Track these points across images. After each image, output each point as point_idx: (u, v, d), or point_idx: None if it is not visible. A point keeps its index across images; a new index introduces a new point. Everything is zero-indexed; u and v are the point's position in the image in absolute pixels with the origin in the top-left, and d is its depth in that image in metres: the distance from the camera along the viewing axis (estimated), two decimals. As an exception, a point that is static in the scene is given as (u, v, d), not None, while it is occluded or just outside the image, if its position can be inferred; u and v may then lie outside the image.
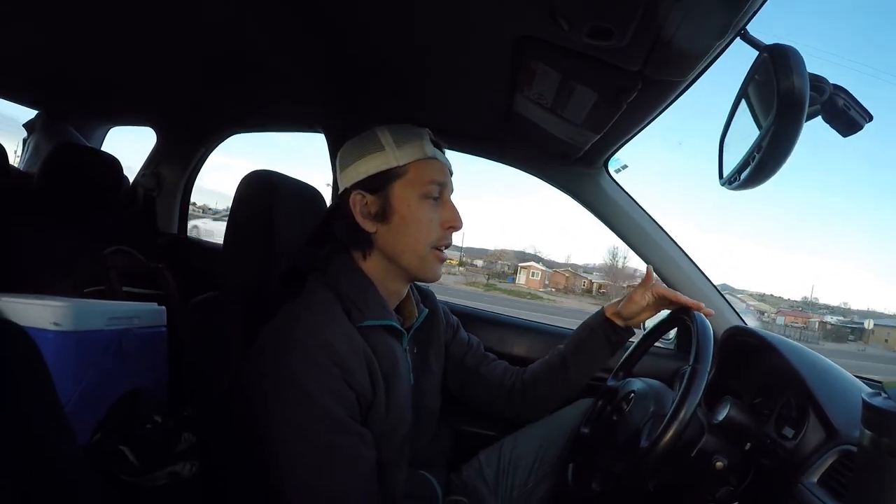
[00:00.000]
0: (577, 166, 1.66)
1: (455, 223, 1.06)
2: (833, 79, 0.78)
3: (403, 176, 1.03)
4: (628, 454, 1.08)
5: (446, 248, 1.08)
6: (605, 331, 1.25)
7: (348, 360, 0.92)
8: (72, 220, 1.92)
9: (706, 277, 1.70)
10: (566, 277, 42.31)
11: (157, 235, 2.41)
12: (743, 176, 0.85)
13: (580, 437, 1.29)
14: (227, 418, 1.04)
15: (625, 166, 1.66)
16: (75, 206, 1.96)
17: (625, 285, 40.86)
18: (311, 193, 1.28)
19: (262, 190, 1.15)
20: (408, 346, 1.12)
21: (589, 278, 42.32)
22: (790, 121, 0.71)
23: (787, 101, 0.69)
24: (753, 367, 1.42)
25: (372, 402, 0.97)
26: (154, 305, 1.48)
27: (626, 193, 1.70)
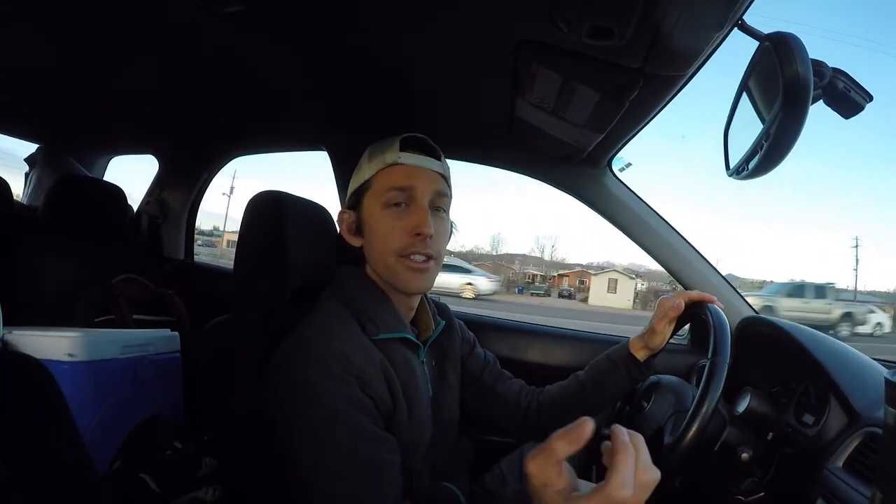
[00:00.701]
0: (580, 167, 1.65)
1: (419, 228, 1.00)
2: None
3: (370, 188, 1.05)
4: (652, 452, 1.07)
5: (426, 256, 1.03)
6: (627, 366, 1.20)
7: (364, 370, 0.91)
8: (78, 250, 1.93)
9: (716, 270, 1.70)
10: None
11: (164, 262, 2.41)
12: (751, 165, 0.86)
13: (601, 438, 1.27)
14: (248, 440, 1.04)
15: (629, 164, 1.65)
16: (81, 237, 1.97)
17: (555, 273, 41.36)
18: (320, 212, 1.27)
19: (270, 210, 1.15)
20: (425, 358, 1.11)
21: (513, 269, 43.87)
22: (796, 107, 0.71)
23: (792, 88, 0.69)
24: (769, 356, 1.41)
25: (393, 414, 0.97)
26: (167, 331, 1.49)
27: (632, 191, 1.70)
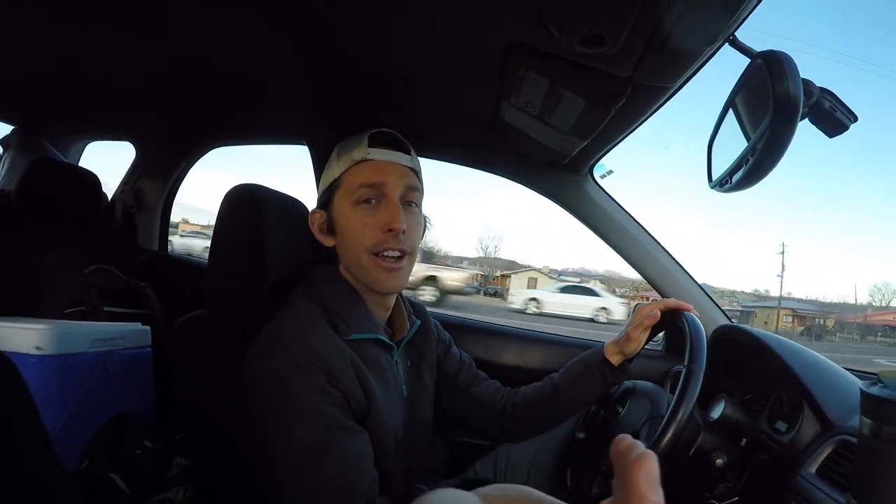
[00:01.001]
0: (562, 173, 1.66)
1: (391, 224, 0.98)
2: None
3: (340, 186, 1.03)
4: None
5: (400, 253, 1.01)
6: (601, 371, 1.20)
7: (333, 364, 0.91)
8: (50, 238, 1.87)
9: (693, 279, 1.72)
10: (418, 268, 44.77)
11: (139, 253, 2.35)
12: (735, 178, 0.86)
13: (575, 441, 1.28)
14: (222, 437, 1.02)
15: (610, 172, 1.66)
16: (53, 223, 1.91)
17: (497, 273, 42.38)
18: (297, 206, 1.26)
19: (247, 204, 1.13)
20: (399, 358, 1.11)
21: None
22: (785, 125, 0.71)
23: (783, 105, 0.70)
24: (743, 364, 1.43)
25: (367, 412, 0.96)
26: (138, 325, 1.45)
27: (612, 199, 1.71)
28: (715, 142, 1.00)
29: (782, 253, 35.79)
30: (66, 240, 1.91)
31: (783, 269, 35.18)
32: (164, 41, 1.34)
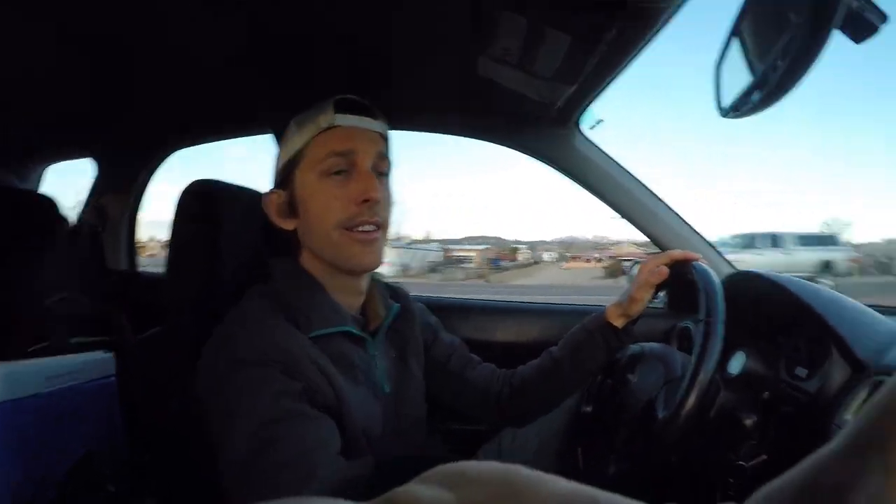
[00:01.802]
0: (548, 128, 1.55)
1: (366, 194, 0.91)
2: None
3: (304, 159, 0.94)
4: (644, 428, 1.00)
5: (375, 225, 0.93)
6: (604, 335, 1.10)
7: (290, 356, 0.84)
8: (5, 274, 1.73)
9: (695, 231, 1.63)
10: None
11: (107, 274, 2.23)
12: (756, 97, 0.74)
13: (582, 416, 1.20)
14: (178, 443, 0.96)
15: (600, 121, 1.52)
16: (8, 257, 1.77)
17: None
18: (258, 199, 1.14)
19: (203, 201, 1.03)
20: (378, 351, 1.01)
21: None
22: (825, 13, 0.59)
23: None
24: (756, 311, 1.32)
25: (338, 409, 0.87)
26: (100, 354, 1.33)
27: (603, 152, 1.60)
28: (724, 61, 0.87)
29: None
30: (24, 273, 1.78)
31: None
32: (102, 41, 1.23)
